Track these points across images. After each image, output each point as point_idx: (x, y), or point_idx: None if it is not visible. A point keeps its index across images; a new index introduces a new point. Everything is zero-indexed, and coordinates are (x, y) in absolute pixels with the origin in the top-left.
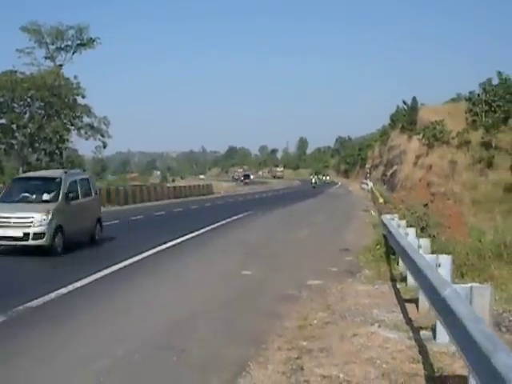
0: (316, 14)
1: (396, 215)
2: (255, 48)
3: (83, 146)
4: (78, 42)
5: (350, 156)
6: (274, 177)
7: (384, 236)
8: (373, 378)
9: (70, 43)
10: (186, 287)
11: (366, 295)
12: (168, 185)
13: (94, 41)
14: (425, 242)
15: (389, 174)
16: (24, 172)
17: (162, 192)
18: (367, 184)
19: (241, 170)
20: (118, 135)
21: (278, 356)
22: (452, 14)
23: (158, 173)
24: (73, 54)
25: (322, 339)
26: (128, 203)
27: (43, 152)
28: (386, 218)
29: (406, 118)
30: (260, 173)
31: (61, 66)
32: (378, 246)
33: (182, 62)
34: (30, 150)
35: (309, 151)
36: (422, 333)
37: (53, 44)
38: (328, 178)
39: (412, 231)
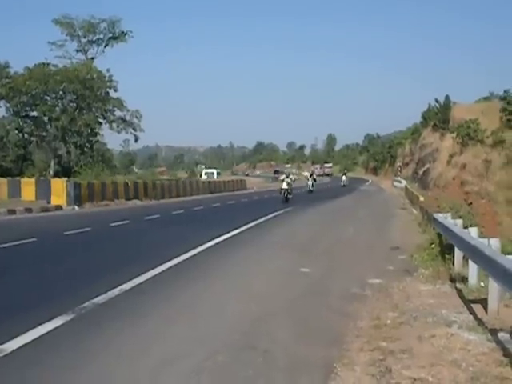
0: (346, 11)
1: (449, 214)
2: (285, 44)
3: (111, 139)
4: (110, 35)
5: (379, 153)
6: (323, 174)
7: (438, 235)
8: (463, 381)
9: (101, 36)
10: (248, 286)
11: (429, 295)
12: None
13: (125, 34)
14: (495, 242)
15: (421, 172)
16: (55, 165)
17: (197, 187)
18: (400, 182)
19: (318, 166)
20: (146, 129)
21: (362, 357)
22: (484, 10)
23: (203, 166)
24: (105, 47)
25: (401, 340)
26: (164, 197)
27: (74, 145)
28: (439, 216)
29: (439, 116)
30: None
31: (92, 59)
32: (433, 245)
33: (212, 56)
34: (61, 143)
35: (337, 148)
36: (501, 335)
37: (85, 37)
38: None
39: (474, 230)
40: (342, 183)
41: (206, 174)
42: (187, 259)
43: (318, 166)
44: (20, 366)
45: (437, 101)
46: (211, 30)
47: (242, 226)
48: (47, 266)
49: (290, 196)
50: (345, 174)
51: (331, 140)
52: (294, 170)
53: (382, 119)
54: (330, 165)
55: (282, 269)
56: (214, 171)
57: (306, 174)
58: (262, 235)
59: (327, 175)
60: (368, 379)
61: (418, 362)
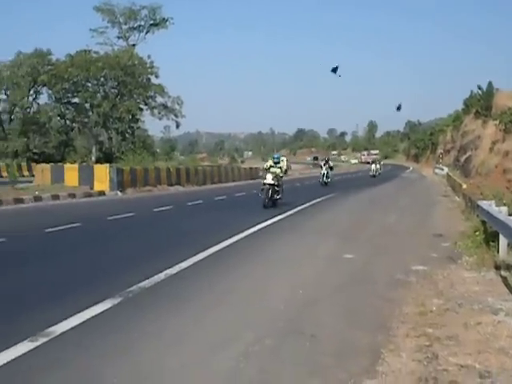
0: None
1: (493, 201)
2: (328, 31)
3: (152, 126)
4: (151, 22)
5: (421, 140)
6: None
7: (482, 222)
8: (510, 369)
9: (142, 23)
10: (291, 272)
11: (474, 282)
12: (243, 166)
13: (166, 21)
14: None
15: (462, 159)
16: (97, 151)
17: (238, 173)
18: (442, 169)
19: (365, 153)
20: (187, 115)
21: (409, 343)
22: None
23: (250, 153)
24: (146, 33)
25: (447, 327)
26: (206, 183)
27: (115, 131)
28: (484, 203)
29: (481, 103)
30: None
31: (134, 45)
32: (478, 233)
33: (254, 43)
34: (103, 129)
35: (378, 135)
36: None
37: (126, 24)
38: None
39: None
40: (372, 173)
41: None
42: (230, 245)
43: (365, 152)
44: (68, 349)
45: (479, 87)
46: (253, 16)
47: (283, 212)
48: (93, 250)
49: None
50: (374, 161)
51: (372, 127)
52: (342, 157)
53: (423, 106)
54: (377, 151)
55: (326, 255)
56: (284, 159)
57: (355, 161)
58: (304, 221)
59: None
60: (415, 365)
61: (465, 349)
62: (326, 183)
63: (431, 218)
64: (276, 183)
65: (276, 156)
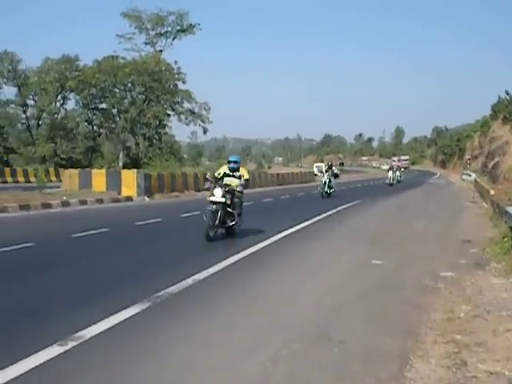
0: (418, 6)
1: None
2: (354, 37)
3: (179, 131)
4: (178, 27)
5: (448, 146)
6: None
7: (511, 228)
8: None
9: (169, 29)
10: (320, 277)
11: (502, 289)
12: (270, 172)
13: (193, 27)
14: None
15: (490, 165)
16: (124, 156)
17: (265, 179)
18: (469, 175)
19: (396, 158)
20: (214, 121)
21: (437, 350)
22: None
23: (280, 159)
24: (173, 39)
25: (475, 333)
26: None
27: (142, 137)
28: None
29: (509, 109)
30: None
31: (161, 51)
32: (506, 239)
33: (282, 48)
34: (130, 134)
35: (405, 140)
36: None
37: (153, 30)
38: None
39: None
40: (389, 181)
41: (316, 167)
42: (258, 250)
43: (395, 158)
44: (98, 353)
45: (507, 93)
46: (279, 21)
47: (311, 217)
48: (120, 255)
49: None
50: (392, 168)
51: (399, 132)
52: (374, 163)
53: (450, 111)
54: (407, 157)
55: (354, 260)
56: (322, 165)
57: (386, 167)
58: (333, 227)
59: (405, 168)
60: (443, 371)
61: (494, 355)
62: (327, 194)
63: (459, 224)
64: (229, 202)
65: (233, 159)
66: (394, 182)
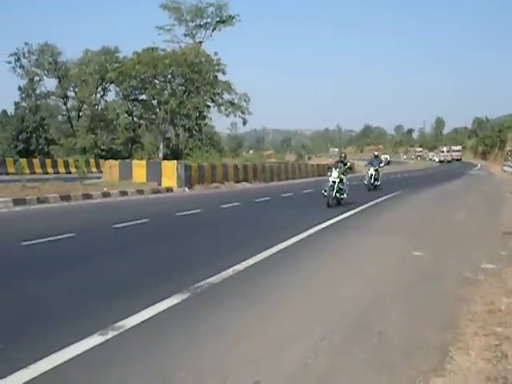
0: None
1: None
2: (396, 28)
3: (218, 122)
4: (218, 19)
5: (489, 137)
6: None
7: None
8: None
9: (209, 20)
10: (360, 269)
11: None
12: (311, 163)
13: (233, 18)
14: None
15: None
16: (164, 148)
17: (305, 170)
18: (510, 166)
19: (445, 149)
20: (254, 112)
21: (477, 342)
22: None
23: (336, 150)
24: (212, 31)
25: None
26: (273, 180)
27: (182, 128)
28: None
29: None
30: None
31: (200, 42)
32: None
33: (321, 39)
34: (170, 125)
35: (445, 131)
36: None
37: (192, 21)
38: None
39: None
40: (366, 181)
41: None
42: (297, 242)
43: (444, 148)
44: (138, 343)
45: None
46: (320, 11)
47: (350, 209)
48: (161, 246)
49: (343, 196)
50: (372, 162)
51: (439, 123)
52: (430, 154)
53: (491, 102)
54: (459, 147)
55: (394, 252)
56: (388, 156)
57: (432, 154)
58: (371, 219)
59: (457, 160)
60: (484, 364)
61: None
62: (338, 201)
63: (500, 216)
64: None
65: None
66: (374, 183)
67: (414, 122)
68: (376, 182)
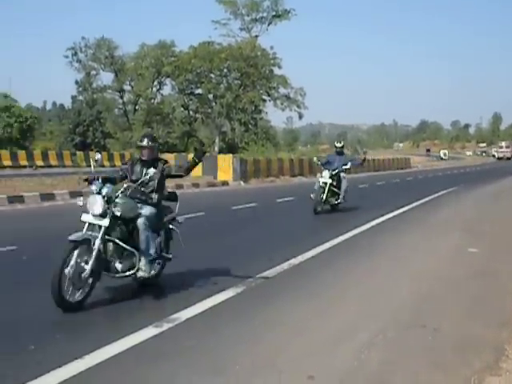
0: None
1: None
2: (451, 24)
3: (274, 117)
4: (273, 13)
5: None
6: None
7: None
8: None
9: (265, 15)
10: (416, 265)
11: None
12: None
13: (289, 12)
14: None
15: None
16: (220, 141)
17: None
18: None
19: (504, 144)
20: (309, 106)
21: None
22: None
23: (401, 145)
24: (268, 25)
25: None
26: None
27: (238, 122)
28: None
29: None
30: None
31: (256, 37)
32: None
33: (378, 33)
34: (226, 119)
35: (502, 127)
36: None
37: (248, 15)
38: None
39: None
40: (315, 197)
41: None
42: (352, 237)
43: (503, 143)
44: (193, 335)
45: None
46: (376, 6)
47: (406, 205)
48: (217, 239)
49: (339, 200)
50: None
51: (497, 119)
52: (494, 149)
53: None
54: (507, 143)
55: (450, 248)
56: (446, 152)
57: (495, 149)
58: (428, 215)
59: (508, 159)
60: None
61: None
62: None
63: None
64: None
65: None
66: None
67: (471, 117)
68: (335, 198)
